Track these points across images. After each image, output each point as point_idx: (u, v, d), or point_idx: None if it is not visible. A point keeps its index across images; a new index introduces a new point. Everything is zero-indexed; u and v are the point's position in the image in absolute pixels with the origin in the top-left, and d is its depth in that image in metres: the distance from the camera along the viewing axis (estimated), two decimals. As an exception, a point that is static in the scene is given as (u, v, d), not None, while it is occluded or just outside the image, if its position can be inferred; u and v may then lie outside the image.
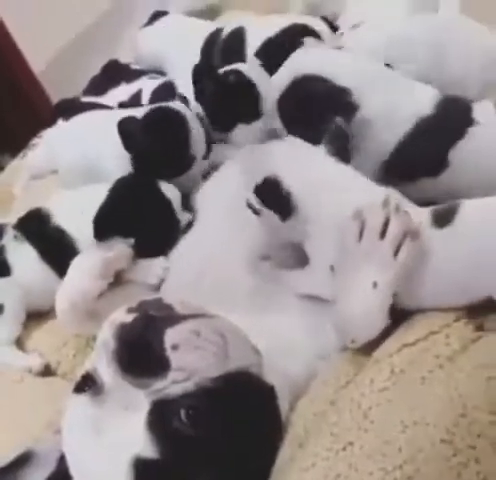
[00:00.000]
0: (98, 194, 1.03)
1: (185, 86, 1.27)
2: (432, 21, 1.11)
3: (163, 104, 1.12)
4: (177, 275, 0.99)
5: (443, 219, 0.77)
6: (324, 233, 0.82)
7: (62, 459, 0.72)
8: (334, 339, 0.81)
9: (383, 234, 0.76)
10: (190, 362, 0.66)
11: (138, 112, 1.10)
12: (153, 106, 1.12)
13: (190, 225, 1.05)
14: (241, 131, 1.15)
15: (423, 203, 0.84)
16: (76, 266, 0.96)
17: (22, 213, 1.12)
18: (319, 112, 0.92)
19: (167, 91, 1.31)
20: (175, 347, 0.66)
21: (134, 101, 1.35)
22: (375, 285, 0.75)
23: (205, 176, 1.13)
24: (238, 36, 1.31)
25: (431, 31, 1.07)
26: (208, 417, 0.65)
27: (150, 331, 0.67)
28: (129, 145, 1.06)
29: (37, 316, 1.08)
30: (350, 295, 0.77)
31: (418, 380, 0.69)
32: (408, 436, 0.64)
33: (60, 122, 1.28)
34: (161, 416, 0.65)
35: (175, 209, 1.02)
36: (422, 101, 0.94)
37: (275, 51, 1.17)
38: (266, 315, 0.86)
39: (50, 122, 1.37)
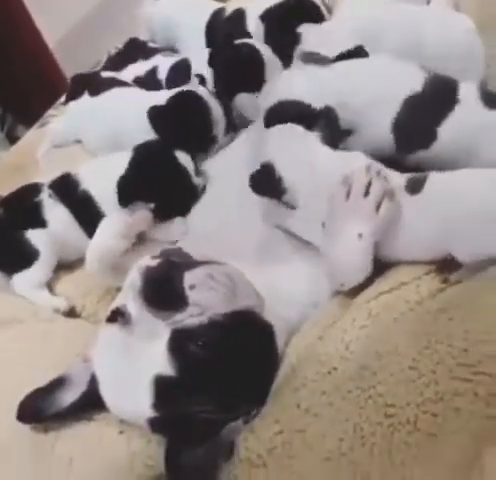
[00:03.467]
0: (120, 162, 1.16)
1: (197, 63, 1.37)
2: (415, 8, 1.21)
3: (184, 89, 1.24)
4: (193, 233, 1.13)
5: (415, 187, 0.91)
6: (316, 199, 0.96)
7: (92, 380, 0.86)
8: (327, 287, 0.95)
9: (366, 194, 0.90)
10: (204, 299, 0.80)
11: (160, 96, 1.25)
12: (174, 91, 1.25)
13: (203, 190, 1.18)
14: (242, 99, 1.26)
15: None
16: (103, 228, 1.09)
17: (52, 175, 1.25)
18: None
19: (183, 68, 1.40)
20: (192, 287, 0.80)
21: (149, 77, 1.46)
22: (360, 236, 0.89)
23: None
24: (238, 17, 1.41)
25: (412, 18, 1.17)
26: (218, 344, 0.79)
27: (171, 273, 0.81)
28: (158, 130, 1.21)
29: (66, 267, 1.21)
30: (339, 245, 0.91)
31: (391, 320, 0.84)
32: (382, 363, 0.79)
33: (86, 96, 1.40)
34: (179, 342, 0.79)
35: (191, 175, 1.16)
36: (410, 80, 1.04)
37: (274, 20, 1.29)
38: (269, 267, 1.00)
39: (71, 94, 1.47)
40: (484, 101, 1.01)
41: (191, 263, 0.83)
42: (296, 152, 1.00)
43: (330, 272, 0.94)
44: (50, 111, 1.93)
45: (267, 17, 1.32)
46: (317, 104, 1.07)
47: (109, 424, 0.87)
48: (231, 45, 1.27)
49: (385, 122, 1.05)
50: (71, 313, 1.14)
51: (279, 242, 1.03)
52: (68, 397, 0.89)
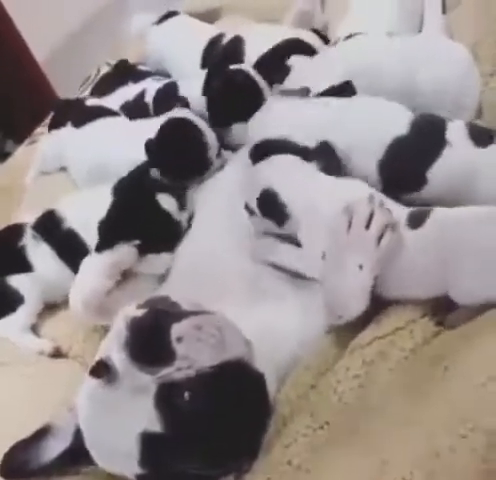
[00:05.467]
0: (103, 199, 1.14)
1: (187, 87, 1.36)
2: (407, 45, 1.18)
3: (173, 116, 1.23)
4: (178, 269, 1.10)
5: (416, 221, 0.88)
6: (316, 228, 0.94)
7: (77, 433, 0.84)
8: (319, 324, 0.93)
9: (368, 225, 0.88)
10: (192, 352, 0.77)
11: (149, 125, 1.22)
12: (165, 120, 1.22)
13: (190, 220, 1.16)
14: (237, 129, 1.24)
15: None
16: (86, 268, 1.07)
17: (37, 212, 1.23)
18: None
19: (170, 91, 1.39)
20: (180, 339, 0.77)
21: (138, 100, 1.44)
22: (361, 267, 0.86)
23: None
24: (237, 45, 1.40)
25: (405, 57, 1.14)
26: (206, 398, 0.77)
27: (158, 325, 0.79)
28: (156, 163, 1.18)
29: (50, 307, 1.19)
30: (339, 276, 0.88)
31: (386, 370, 0.81)
32: (376, 416, 0.77)
33: (70, 127, 1.37)
34: (167, 397, 0.76)
35: (172, 215, 1.13)
36: (396, 122, 1.02)
37: (270, 65, 1.27)
38: (259, 305, 0.98)
39: (54, 122, 1.45)
40: (473, 140, 0.98)
41: (178, 314, 0.80)
42: (297, 180, 0.99)
43: (328, 304, 0.91)
44: (39, 129, 1.91)
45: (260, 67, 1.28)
46: (303, 140, 1.04)
47: (97, 477, 0.84)
48: (225, 72, 1.24)
49: (371, 165, 1.02)
50: (57, 354, 1.11)
51: (269, 277, 1.00)
52: (54, 448, 0.86)
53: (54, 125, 1.43)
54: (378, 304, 0.90)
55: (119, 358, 0.79)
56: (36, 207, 1.25)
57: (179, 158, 1.18)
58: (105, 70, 1.83)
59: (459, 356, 0.79)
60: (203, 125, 1.22)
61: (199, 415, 0.76)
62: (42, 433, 0.87)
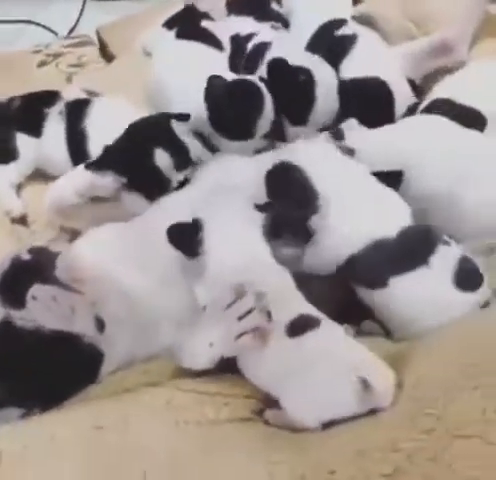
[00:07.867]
0: (123, 125, 1.18)
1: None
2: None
3: (251, 78, 1.26)
4: (140, 219, 1.15)
5: (295, 331, 0.88)
6: (214, 283, 0.97)
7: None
8: None
9: (241, 318, 0.89)
10: (37, 313, 0.89)
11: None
12: (242, 78, 1.27)
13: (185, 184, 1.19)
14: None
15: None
16: (70, 174, 1.17)
17: (83, 92, 1.33)
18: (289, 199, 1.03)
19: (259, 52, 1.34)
20: (34, 298, 0.89)
21: (245, 40, 1.41)
22: (211, 345, 0.90)
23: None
24: (349, 41, 1.34)
25: None
26: (31, 350, 0.89)
27: (27, 277, 0.90)
28: (209, 98, 1.22)
29: (44, 177, 1.31)
30: (195, 337, 0.93)
31: (175, 424, 0.85)
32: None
33: (172, 34, 1.41)
34: (6, 334, 0.90)
35: (162, 172, 1.17)
36: (387, 222, 1.00)
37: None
38: (167, 291, 1.04)
39: (172, 21, 1.47)
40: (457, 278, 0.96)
41: (48, 277, 0.90)
42: (230, 228, 1.00)
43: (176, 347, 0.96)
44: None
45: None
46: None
47: None
48: (288, 69, 1.23)
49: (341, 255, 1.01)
50: (21, 221, 1.26)
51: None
52: None
53: (167, 24, 1.46)
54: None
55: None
56: (92, 84, 1.32)
57: (230, 109, 1.21)
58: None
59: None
60: (268, 102, 1.22)
61: (18, 358, 0.89)
62: None
